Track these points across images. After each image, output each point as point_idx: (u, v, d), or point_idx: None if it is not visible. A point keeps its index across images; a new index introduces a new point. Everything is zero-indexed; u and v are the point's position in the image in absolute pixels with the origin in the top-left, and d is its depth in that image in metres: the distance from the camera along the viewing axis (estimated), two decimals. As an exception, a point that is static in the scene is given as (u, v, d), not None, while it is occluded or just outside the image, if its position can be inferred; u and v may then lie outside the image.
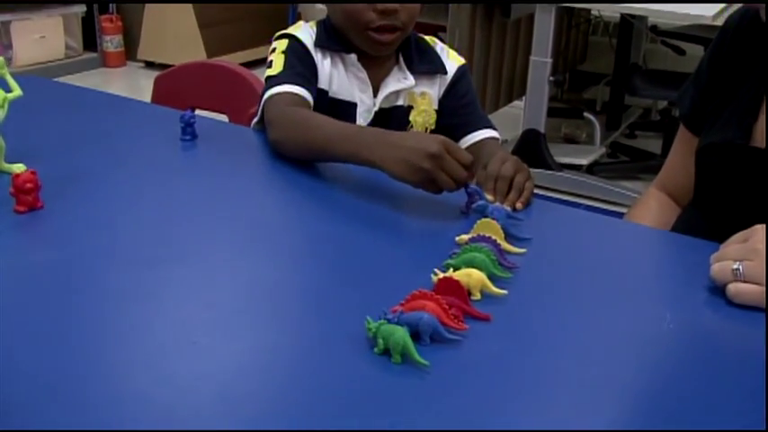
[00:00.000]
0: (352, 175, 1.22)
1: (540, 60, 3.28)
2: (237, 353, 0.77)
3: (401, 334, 0.74)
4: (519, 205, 1.16)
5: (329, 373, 0.74)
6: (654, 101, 4.43)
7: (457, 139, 1.46)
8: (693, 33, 3.81)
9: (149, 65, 5.41)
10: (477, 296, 0.86)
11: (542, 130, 3.38)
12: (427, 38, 1.53)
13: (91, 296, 0.86)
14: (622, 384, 0.77)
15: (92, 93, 1.68)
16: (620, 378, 0.77)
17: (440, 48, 1.52)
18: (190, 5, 5.00)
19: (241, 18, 5.36)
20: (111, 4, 5.44)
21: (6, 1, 4.90)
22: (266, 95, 1.35)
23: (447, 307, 0.79)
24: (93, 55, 5.40)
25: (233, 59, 5.21)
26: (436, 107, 1.49)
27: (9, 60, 4.85)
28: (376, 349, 0.76)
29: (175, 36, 5.14)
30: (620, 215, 3.15)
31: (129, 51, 5.46)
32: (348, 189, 1.19)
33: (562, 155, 3.53)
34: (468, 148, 1.45)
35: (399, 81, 1.45)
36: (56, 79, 5.01)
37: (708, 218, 1.19)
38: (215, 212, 1.09)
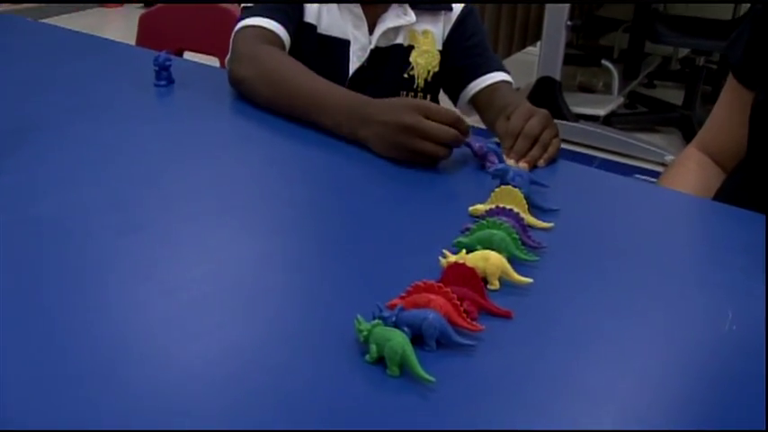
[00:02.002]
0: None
1: (557, 5, 3.07)
2: (193, 356, 0.61)
3: (399, 340, 0.58)
4: (541, 162, 1.00)
5: (306, 387, 0.58)
6: (674, 49, 4.21)
7: (465, 83, 1.32)
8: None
9: (148, 5, 5.19)
10: (496, 285, 0.70)
11: (558, 78, 3.19)
12: None
13: (45, 269, 0.71)
14: (674, 403, 0.60)
15: (61, 32, 1.51)
16: (671, 395, 0.61)
17: None
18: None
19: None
20: (108, -59, 5.21)
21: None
22: (237, 27, 1.20)
23: (458, 302, 0.63)
24: (90, -6, 5.20)
25: None
26: (440, 48, 1.33)
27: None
28: (368, 356, 0.60)
29: (174, -25, 4.91)
30: (638, 169, 3.05)
31: (127, -9, 5.25)
32: (339, 147, 1.01)
33: (578, 104, 3.35)
34: (478, 94, 1.30)
35: (399, 17, 1.29)
36: (47, 20, 4.85)
37: (761, 185, 1.02)
38: (186, 174, 0.92)
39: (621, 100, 3.59)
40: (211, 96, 1.16)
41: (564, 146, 3.21)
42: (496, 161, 0.92)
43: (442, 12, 1.32)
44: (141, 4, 5.21)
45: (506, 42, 3.49)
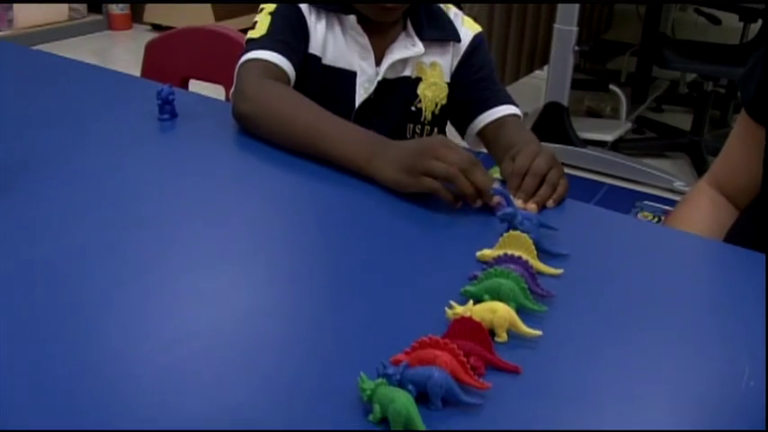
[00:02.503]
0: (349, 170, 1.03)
1: (565, 29, 3.06)
2: (190, 414, 0.59)
3: (404, 401, 0.56)
4: (550, 203, 0.97)
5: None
6: (682, 73, 4.20)
7: (473, 116, 1.30)
8: (728, 0, 3.58)
9: (156, 28, 5.22)
10: (504, 338, 0.68)
11: (565, 104, 3.17)
12: (440, 4, 1.34)
13: (40, 319, 0.69)
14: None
15: (62, 61, 1.50)
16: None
17: (453, 13, 1.33)
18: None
19: (250, -20, 5.14)
20: (117, -35, 5.23)
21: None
22: (242, 60, 1.18)
23: (464, 359, 0.61)
24: (99, 17, 5.22)
25: (242, 23, 5.02)
26: (448, 80, 1.31)
27: (10, 23, 4.68)
28: (371, 417, 0.58)
29: (183, -2, 4.93)
30: (646, 195, 3.03)
31: (136, 14, 5.27)
32: (345, 185, 0.99)
33: (585, 130, 3.33)
34: (485, 128, 1.28)
35: (407, 48, 1.26)
36: (56, 42, 4.87)
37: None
38: (187, 215, 0.91)
39: (629, 125, 3.57)
40: (215, 131, 1.14)
41: (571, 171, 3.20)
42: (505, 204, 0.90)
43: (451, 43, 1.31)
44: (150, 27, 5.23)
45: (514, 66, 3.48)
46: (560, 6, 3.06)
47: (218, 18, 4.89)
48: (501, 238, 0.80)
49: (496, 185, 0.92)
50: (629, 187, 3.11)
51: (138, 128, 1.15)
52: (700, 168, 3.23)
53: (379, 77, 1.25)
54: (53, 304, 0.71)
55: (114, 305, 0.72)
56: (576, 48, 3.08)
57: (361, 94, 1.25)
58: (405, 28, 1.28)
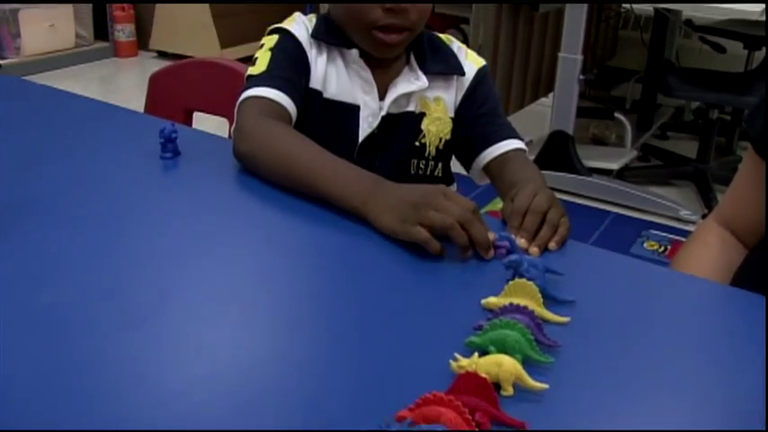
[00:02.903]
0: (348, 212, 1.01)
1: (570, 57, 3.07)
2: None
3: (408, 462, 0.55)
4: (552, 245, 0.96)
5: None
6: (687, 101, 4.20)
7: (477, 151, 1.28)
8: (732, 29, 3.58)
9: (162, 55, 5.25)
10: (510, 392, 0.66)
11: (571, 132, 3.17)
12: (442, 36, 1.33)
13: (40, 368, 0.68)
14: None
15: (65, 96, 1.49)
16: None
17: (456, 47, 1.32)
18: (203, -6, 4.81)
19: (256, 9, 5.17)
20: (123, -8, 5.27)
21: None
22: (242, 97, 1.18)
23: (469, 416, 0.59)
24: (105, 44, 5.26)
25: (247, 50, 5.04)
26: (452, 115, 1.30)
27: (17, 50, 4.71)
28: (375, 476, 0.57)
29: (189, 26, 4.97)
30: (652, 224, 3.02)
31: (142, 41, 5.31)
32: (346, 229, 0.97)
33: (591, 158, 3.32)
34: (490, 163, 1.27)
35: (410, 82, 1.25)
36: (63, 70, 4.89)
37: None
38: (189, 258, 0.89)
39: (635, 153, 3.57)
40: (218, 170, 1.13)
41: (577, 200, 3.20)
42: (508, 245, 0.89)
43: (455, 77, 1.30)
44: (155, 54, 5.26)
45: (519, 94, 3.48)
46: (565, 35, 3.07)
47: (224, 45, 4.91)
48: (506, 286, 0.79)
49: (502, 233, 0.91)
50: (635, 216, 3.10)
51: (140, 167, 1.15)
52: (706, 196, 3.21)
53: (384, 112, 1.24)
54: (53, 354, 0.70)
55: (114, 355, 0.71)
56: (581, 76, 3.09)
57: (364, 129, 1.24)
58: (408, 62, 1.27)
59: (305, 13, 1.29)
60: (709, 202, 3.17)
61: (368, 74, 1.24)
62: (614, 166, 3.34)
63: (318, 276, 0.89)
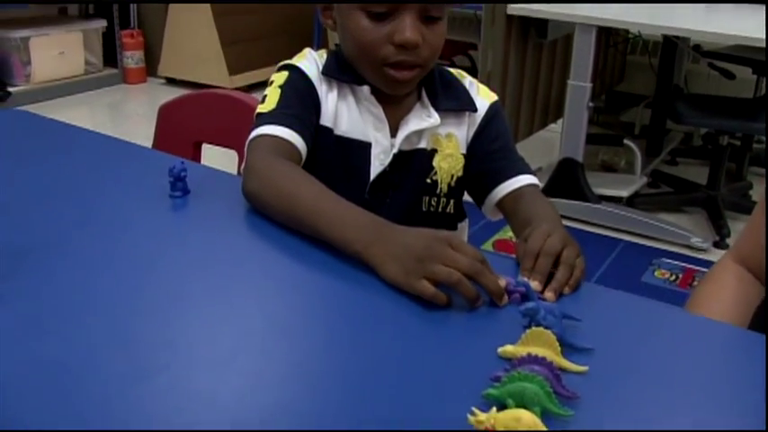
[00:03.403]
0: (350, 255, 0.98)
1: (579, 85, 3.06)
2: None
3: None
4: (567, 290, 0.94)
5: None
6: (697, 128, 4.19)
7: (490, 188, 1.26)
8: (741, 54, 3.57)
9: (170, 81, 5.27)
10: (528, 448, 0.65)
11: (580, 160, 3.16)
12: (454, 71, 1.32)
13: (47, 422, 0.66)
14: None
15: (78, 132, 1.48)
16: None
17: (468, 82, 1.31)
18: (212, 22, 4.83)
19: (264, 36, 5.21)
20: (132, 19, 5.30)
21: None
22: (251, 135, 1.16)
23: (488, 478, 0.58)
24: (114, 71, 5.28)
25: (256, 77, 5.07)
26: (464, 151, 1.28)
27: (27, 77, 4.73)
28: None
29: (197, 52, 4.99)
30: (663, 252, 2.99)
31: (150, 67, 5.33)
32: (355, 276, 0.95)
33: (600, 185, 3.31)
34: (503, 199, 1.25)
35: (422, 119, 1.24)
36: (74, 95, 4.91)
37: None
38: (197, 307, 0.88)
39: (644, 180, 3.55)
40: (228, 210, 1.12)
41: (587, 228, 3.18)
42: (523, 290, 0.87)
43: (467, 113, 1.28)
44: (164, 81, 5.28)
45: (527, 121, 3.48)
46: (574, 62, 3.06)
47: (233, 72, 4.93)
48: (524, 335, 0.77)
49: (519, 279, 0.89)
50: (646, 243, 3.08)
51: (149, 206, 1.13)
52: (717, 223, 3.19)
53: (395, 150, 1.23)
54: (59, 408, 0.69)
55: (125, 409, 0.69)
56: (591, 104, 3.08)
57: (376, 166, 1.23)
58: (420, 98, 1.26)
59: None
60: (720, 229, 3.15)
61: (379, 110, 1.23)
62: (624, 193, 3.33)
63: (329, 325, 0.88)
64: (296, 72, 1.22)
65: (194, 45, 4.99)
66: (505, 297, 0.90)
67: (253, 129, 1.16)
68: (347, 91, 1.24)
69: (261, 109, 1.19)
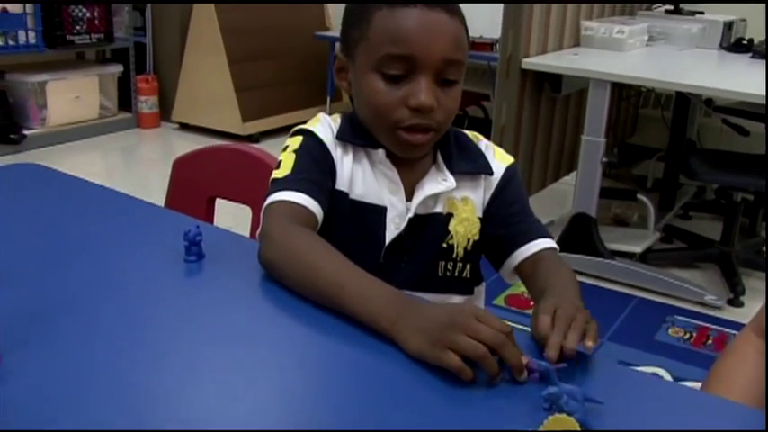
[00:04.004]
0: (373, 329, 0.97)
1: (593, 140, 3.06)
2: None
3: None
4: (590, 343, 0.91)
5: None
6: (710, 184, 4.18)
7: (508, 252, 1.25)
8: (753, 110, 3.57)
9: (184, 126, 5.30)
10: None
11: (593, 215, 3.14)
12: (469, 133, 1.32)
13: None
14: None
15: (93, 188, 1.48)
16: None
17: (484, 145, 1.30)
18: (227, 68, 4.88)
19: (278, 82, 5.25)
20: (148, 64, 5.36)
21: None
22: (267, 202, 1.15)
23: None
24: (128, 115, 5.33)
25: (268, 124, 5.11)
26: (480, 215, 1.27)
27: (43, 121, 4.78)
28: None
29: (211, 98, 5.03)
30: (677, 309, 2.96)
31: (164, 112, 5.38)
32: (372, 348, 0.93)
33: (613, 240, 3.29)
34: (522, 263, 1.23)
35: (438, 183, 1.23)
36: (89, 139, 4.95)
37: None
38: (214, 374, 0.87)
39: (657, 235, 3.53)
40: (243, 275, 1.10)
41: (600, 284, 3.16)
42: (543, 370, 0.85)
43: (483, 176, 1.28)
44: (177, 126, 5.31)
45: (540, 174, 3.48)
46: (588, 118, 3.06)
47: (246, 118, 4.96)
48: (545, 423, 0.75)
49: (542, 361, 0.87)
50: (659, 300, 3.05)
51: (164, 270, 1.12)
52: (731, 280, 3.17)
53: (411, 214, 1.22)
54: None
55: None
56: (604, 159, 3.07)
57: (391, 231, 1.22)
58: (435, 161, 1.25)
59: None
60: (734, 286, 3.12)
61: (394, 174, 1.22)
62: (637, 249, 3.31)
63: (343, 397, 0.86)
64: (311, 137, 1.22)
65: (208, 91, 5.03)
66: (525, 373, 0.88)
67: (268, 194, 1.16)
68: (362, 155, 1.23)
69: (276, 174, 1.18)
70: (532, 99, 3.22)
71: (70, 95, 4.93)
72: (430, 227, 1.24)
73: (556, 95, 3.31)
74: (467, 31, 1.20)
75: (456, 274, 1.27)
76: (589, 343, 0.91)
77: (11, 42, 4.61)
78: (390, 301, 0.97)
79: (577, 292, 1.11)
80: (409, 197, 1.23)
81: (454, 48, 1.15)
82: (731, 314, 2.99)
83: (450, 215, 1.25)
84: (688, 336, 2.79)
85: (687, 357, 2.63)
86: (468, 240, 1.26)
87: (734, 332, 2.82)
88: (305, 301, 1.02)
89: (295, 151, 1.20)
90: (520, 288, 2.81)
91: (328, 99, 5.18)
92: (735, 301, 3.05)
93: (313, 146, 1.21)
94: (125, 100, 5.32)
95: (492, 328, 0.88)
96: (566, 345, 0.89)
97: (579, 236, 3.14)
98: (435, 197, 1.24)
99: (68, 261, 1.14)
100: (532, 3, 3.05)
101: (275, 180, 1.18)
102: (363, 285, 1.00)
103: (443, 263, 1.26)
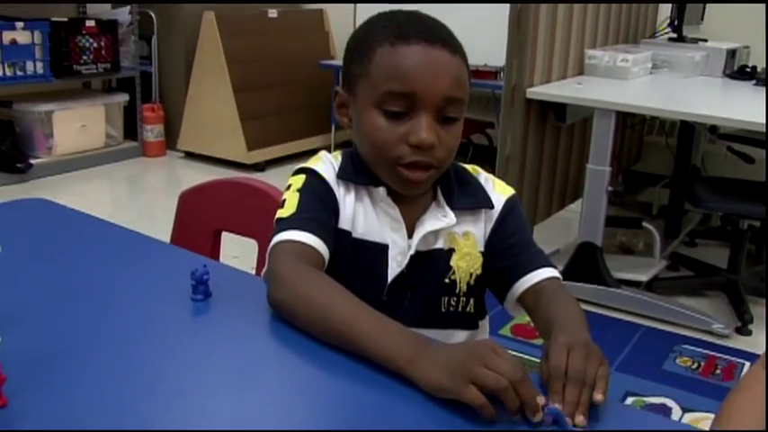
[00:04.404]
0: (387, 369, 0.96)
1: (598, 169, 3.06)
2: None
3: None
4: (600, 397, 0.91)
5: None
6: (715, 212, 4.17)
7: (510, 283, 1.25)
8: (757, 137, 3.57)
9: (189, 155, 5.32)
10: None
11: (599, 244, 3.14)
12: (469, 167, 1.32)
13: None
14: None
15: (100, 224, 1.48)
16: None
17: (483, 178, 1.30)
18: (232, 97, 4.90)
19: (283, 111, 5.28)
20: (154, 93, 5.39)
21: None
22: (273, 241, 1.15)
23: None
24: (134, 144, 5.35)
25: (274, 152, 5.12)
26: (482, 249, 1.27)
27: (49, 150, 4.80)
28: None
29: (216, 127, 5.06)
30: (684, 338, 2.95)
31: (170, 141, 5.40)
32: (383, 387, 0.93)
33: (619, 269, 3.28)
34: (525, 294, 1.23)
35: (438, 219, 1.23)
36: (95, 168, 4.97)
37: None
38: (220, 415, 0.86)
39: (664, 263, 3.52)
40: (250, 314, 1.10)
41: (607, 313, 3.14)
42: (555, 413, 0.85)
43: (483, 211, 1.27)
44: (182, 154, 5.33)
45: (546, 203, 3.47)
46: (593, 147, 3.07)
47: (251, 147, 4.98)
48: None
49: (552, 407, 0.87)
50: (667, 329, 3.04)
51: (170, 308, 1.12)
52: (738, 309, 3.15)
53: (412, 251, 1.22)
54: None
55: None
56: (609, 188, 3.07)
57: (394, 268, 1.22)
58: (435, 198, 1.26)
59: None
60: (742, 314, 3.10)
61: (396, 212, 1.22)
62: (644, 277, 3.30)
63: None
64: (313, 175, 1.22)
65: (214, 120, 5.05)
66: (540, 413, 0.87)
67: (274, 234, 1.16)
68: (364, 193, 1.24)
69: (281, 214, 1.18)
70: (537, 128, 3.22)
71: (76, 124, 4.95)
72: (431, 263, 1.24)
73: (560, 124, 3.32)
74: (468, 68, 1.20)
75: (459, 309, 1.26)
76: (599, 397, 0.91)
77: (19, 72, 4.64)
78: (406, 339, 0.97)
79: (584, 324, 1.11)
80: (410, 234, 1.23)
81: (455, 85, 1.16)
82: (739, 343, 2.97)
83: (451, 250, 1.25)
84: (696, 365, 2.78)
85: (695, 387, 2.62)
86: (471, 275, 1.26)
87: (742, 361, 2.81)
88: (314, 341, 1.02)
89: (299, 190, 1.20)
90: (526, 318, 2.79)
91: (333, 127, 5.20)
92: (743, 330, 3.04)
93: (316, 185, 1.21)
94: (131, 128, 5.35)
95: (510, 363, 0.87)
96: (580, 409, 0.89)
97: (585, 265, 3.13)
98: (436, 233, 1.24)
99: (75, 301, 1.14)
100: (538, 3, 3.05)
101: (280, 219, 1.18)
102: (377, 325, 0.99)
103: (446, 298, 1.25)
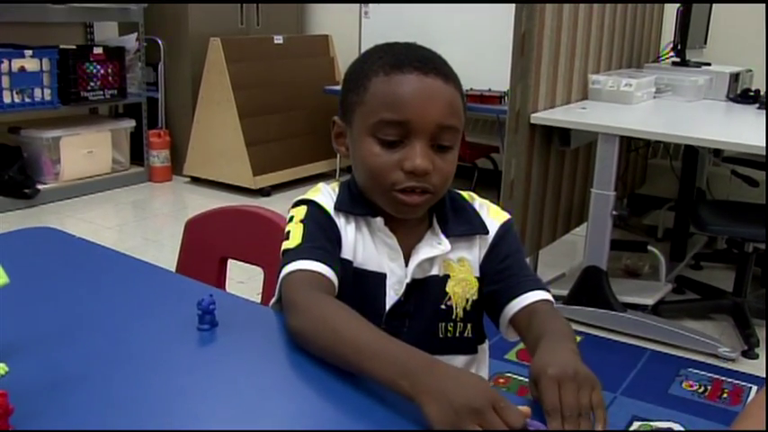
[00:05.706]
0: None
1: (603, 194, 3.07)
2: None
3: None
4: (599, 427, 0.91)
5: None
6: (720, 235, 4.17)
7: (502, 305, 1.25)
8: (761, 160, 3.58)
9: (195, 180, 5.35)
10: None
11: (604, 268, 3.14)
12: (464, 193, 1.33)
13: None
14: None
15: (106, 252, 1.50)
16: None
17: (478, 204, 1.32)
18: (238, 123, 4.94)
19: (288, 136, 5.31)
20: (160, 119, 5.43)
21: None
22: (283, 273, 1.16)
23: None
24: (140, 169, 5.38)
25: (279, 178, 5.15)
26: (477, 274, 1.28)
27: (56, 175, 4.83)
28: None
29: (222, 153, 5.09)
30: (690, 361, 2.94)
31: (176, 166, 5.43)
32: (394, 417, 0.93)
33: (625, 292, 3.28)
34: (516, 316, 1.23)
35: (433, 246, 1.24)
36: (102, 193, 4.99)
37: None
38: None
39: (669, 287, 3.52)
40: (257, 344, 1.11)
41: (612, 336, 3.13)
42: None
43: (477, 237, 1.28)
44: (189, 179, 5.36)
45: (551, 227, 3.48)
46: (597, 171, 3.08)
47: (256, 172, 5.00)
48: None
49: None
50: (672, 353, 3.03)
51: (177, 338, 1.13)
52: (744, 332, 3.14)
53: (408, 279, 1.23)
54: None
55: None
56: (614, 212, 3.08)
57: (391, 296, 1.23)
58: (431, 225, 1.27)
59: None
60: (748, 337, 3.10)
61: (393, 241, 1.24)
62: (649, 301, 3.29)
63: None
64: (314, 206, 1.24)
65: (219, 145, 5.08)
66: None
67: (283, 265, 1.17)
68: (362, 223, 1.25)
69: (287, 245, 1.19)
70: (541, 153, 3.24)
71: (83, 150, 4.99)
72: (428, 290, 1.25)
73: (565, 149, 3.33)
74: (463, 96, 1.22)
75: (457, 334, 1.27)
76: (599, 428, 0.91)
77: (27, 99, 4.68)
78: (410, 360, 0.96)
79: (574, 345, 1.10)
80: (406, 262, 1.24)
81: (449, 114, 1.17)
82: (746, 366, 2.96)
83: (446, 277, 1.26)
84: (702, 389, 2.77)
85: (702, 411, 2.60)
86: (467, 300, 1.27)
87: (749, 385, 2.80)
88: (321, 371, 1.03)
89: (302, 221, 1.21)
90: (532, 342, 2.79)
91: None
92: (749, 353, 3.03)
93: (318, 215, 1.23)
94: (137, 154, 5.38)
95: (507, 421, 0.87)
96: None
97: (591, 288, 3.14)
98: (431, 260, 1.25)
99: (82, 331, 1.15)
100: (543, 3, 3.07)
101: (287, 251, 1.19)
102: (382, 347, 0.99)
103: (443, 324, 1.26)
